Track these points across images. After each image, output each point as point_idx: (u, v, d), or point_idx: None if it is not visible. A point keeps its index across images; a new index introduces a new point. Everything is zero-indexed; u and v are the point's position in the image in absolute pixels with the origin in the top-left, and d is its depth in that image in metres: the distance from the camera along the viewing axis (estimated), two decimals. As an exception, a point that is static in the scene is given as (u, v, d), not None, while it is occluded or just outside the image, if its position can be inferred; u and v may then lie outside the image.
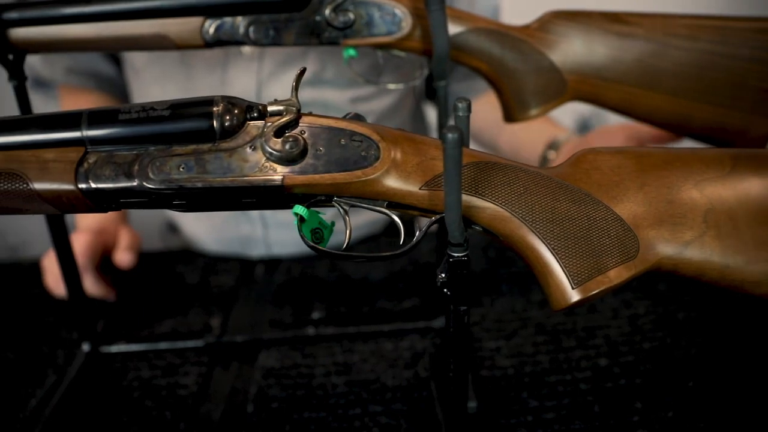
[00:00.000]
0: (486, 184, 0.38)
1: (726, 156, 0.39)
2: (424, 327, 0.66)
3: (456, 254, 0.39)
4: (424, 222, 0.38)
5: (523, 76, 0.55)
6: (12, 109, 0.56)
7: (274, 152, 0.35)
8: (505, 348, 0.63)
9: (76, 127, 0.35)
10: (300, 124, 0.36)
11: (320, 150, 0.36)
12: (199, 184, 0.35)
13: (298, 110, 0.36)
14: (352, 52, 0.53)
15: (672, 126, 0.58)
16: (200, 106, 0.35)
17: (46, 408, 0.58)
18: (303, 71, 0.37)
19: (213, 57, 0.72)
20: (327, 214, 0.40)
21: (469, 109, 0.39)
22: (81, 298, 0.64)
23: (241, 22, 0.50)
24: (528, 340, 0.64)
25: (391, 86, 0.57)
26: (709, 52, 0.56)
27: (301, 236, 0.37)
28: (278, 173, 0.35)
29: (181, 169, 0.35)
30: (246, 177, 0.35)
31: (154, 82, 0.78)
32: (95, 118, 0.35)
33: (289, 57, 0.72)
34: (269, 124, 0.36)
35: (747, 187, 0.37)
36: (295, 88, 0.36)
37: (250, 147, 0.35)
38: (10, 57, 0.52)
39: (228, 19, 0.50)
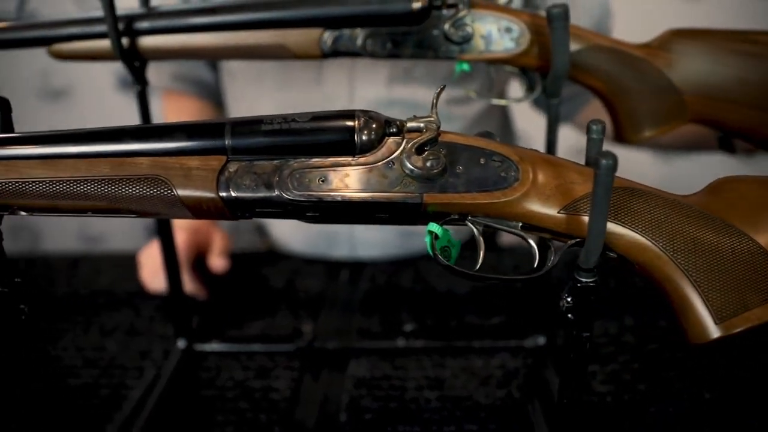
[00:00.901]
0: (626, 211, 0.35)
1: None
2: (515, 346, 0.64)
3: (585, 280, 0.37)
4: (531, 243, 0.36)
5: (639, 95, 0.52)
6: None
7: (415, 169, 0.34)
8: (601, 373, 0.60)
9: (219, 136, 0.34)
10: (439, 142, 0.35)
11: (460, 169, 0.34)
12: (339, 198, 0.34)
13: (438, 127, 0.34)
14: (465, 67, 0.52)
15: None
16: (341, 120, 0.34)
17: (148, 401, 0.58)
18: (442, 89, 0.35)
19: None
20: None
21: (603, 131, 0.37)
22: (179, 294, 0.65)
23: (359, 34, 0.50)
24: (625, 367, 0.61)
25: (501, 102, 0.55)
26: None
27: (434, 254, 0.35)
28: (418, 191, 0.34)
29: (320, 182, 0.34)
30: (386, 193, 0.34)
31: (251, 82, 0.79)
32: (238, 127, 0.34)
33: None
34: (408, 140, 0.34)
35: None
36: (434, 105, 0.35)
37: (390, 163, 0.34)
38: (137, 64, 0.53)
39: (346, 31, 0.50)
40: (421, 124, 0.35)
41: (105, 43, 0.51)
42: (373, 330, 0.69)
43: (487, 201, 0.34)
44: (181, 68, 0.85)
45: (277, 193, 0.34)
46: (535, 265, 0.36)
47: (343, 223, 0.36)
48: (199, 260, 0.77)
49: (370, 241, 0.82)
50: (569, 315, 0.38)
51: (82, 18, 0.52)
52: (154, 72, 0.89)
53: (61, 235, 1.93)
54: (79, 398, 0.61)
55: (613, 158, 0.30)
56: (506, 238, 0.98)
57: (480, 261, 0.36)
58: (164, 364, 0.64)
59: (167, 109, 0.91)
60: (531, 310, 0.69)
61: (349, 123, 0.34)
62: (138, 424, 0.55)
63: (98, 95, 1.75)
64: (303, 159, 0.34)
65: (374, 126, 0.34)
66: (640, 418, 0.54)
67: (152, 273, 0.75)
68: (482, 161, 0.35)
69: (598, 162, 0.30)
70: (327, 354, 0.65)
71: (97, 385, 0.63)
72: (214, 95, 0.89)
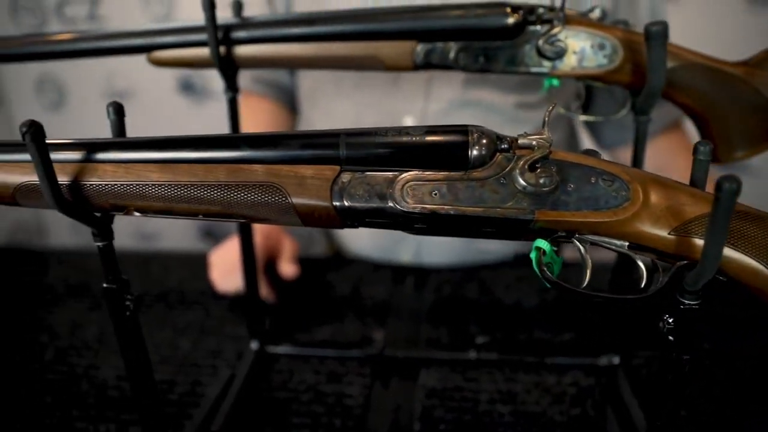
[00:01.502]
0: (739, 234, 0.35)
1: None
2: (589, 364, 0.63)
3: (689, 302, 0.36)
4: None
5: (733, 115, 0.51)
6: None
7: (528, 186, 0.34)
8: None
9: (334, 146, 0.35)
10: (550, 159, 0.35)
11: (571, 187, 0.34)
12: (452, 212, 0.34)
13: (550, 145, 0.34)
14: (555, 82, 0.52)
15: None
16: (455, 135, 0.34)
17: (225, 400, 0.59)
18: (554, 107, 0.35)
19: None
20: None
21: (710, 153, 0.37)
22: (255, 296, 0.67)
23: (452, 47, 0.50)
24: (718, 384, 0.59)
25: (590, 118, 0.54)
26: None
27: (541, 270, 0.35)
28: (530, 207, 0.34)
29: (433, 195, 0.34)
30: (498, 208, 0.34)
31: (328, 82, 0.80)
32: (353, 138, 0.35)
33: None
34: (519, 156, 0.35)
35: None
36: (546, 123, 0.35)
37: (502, 179, 0.34)
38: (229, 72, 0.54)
39: (440, 44, 0.50)
40: (533, 142, 0.35)
41: (202, 51, 0.53)
42: (442, 341, 0.69)
43: (598, 220, 0.34)
44: (261, 72, 0.88)
45: (390, 204, 0.34)
46: (642, 285, 0.36)
47: (448, 236, 0.37)
48: (269, 265, 0.78)
49: (436, 247, 0.82)
50: (670, 337, 0.38)
51: (180, 27, 0.54)
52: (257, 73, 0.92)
53: (117, 231, 1.99)
54: (162, 389, 0.63)
55: (737, 182, 0.30)
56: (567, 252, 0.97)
57: (587, 279, 0.36)
58: (238, 365, 0.65)
59: (244, 112, 0.93)
60: (602, 328, 0.68)
61: (463, 138, 0.34)
62: (218, 422, 0.57)
63: (160, 97, 1.81)
64: (416, 172, 0.35)
65: (486, 141, 0.35)
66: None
67: (223, 274, 0.77)
68: (593, 180, 0.35)
69: (720, 185, 0.30)
70: (397, 362, 0.65)
71: (174, 382, 0.65)
72: (289, 98, 0.91)
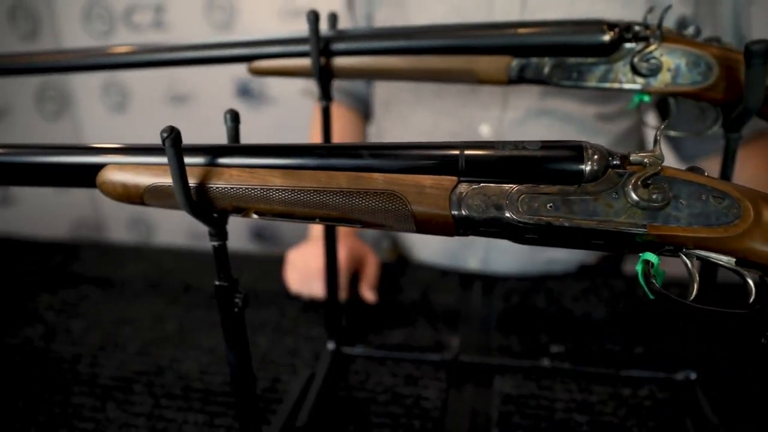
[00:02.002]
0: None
1: None
2: (664, 378, 0.63)
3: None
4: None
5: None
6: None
7: (641, 201, 0.35)
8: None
9: (453, 158, 0.37)
10: (661, 176, 0.36)
11: (682, 203, 0.36)
12: (566, 224, 0.36)
13: (662, 162, 0.36)
14: (646, 98, 0.53)
15: None
16: (570, 150, 0.36)
17: (307, 398, 0.62)
18: (665, 125, 0.37)
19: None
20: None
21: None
22: (334, 298, 0.69)
23: (547, 63, 0.52)
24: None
25: (681, 134, 0.55)
26: None
27: (649, 282, 0.37)
28: (642, 221, 0.35)
29: (548, 207, 0.36)
30: (612, 221, 0.36)
31: (407, 90, 0.83)
32: (472, 151, 0.37)
33: None
34: (631, 173, 0.36)
35: None
36: (658, 141, 0.36)
37: (614, 193, 0.36)
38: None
39: (534, 60, 0.52)
40: (645, 159, 0.36)
41: (301, 62, 0.56)
42: (514, 348, 0.70)
43: (708, 236, 0.35)
44: (339, 81, 0.91)
45: (508, 215, 0.36)
46: (751, 300, 0.37)
47: (557, 247, 0.38)
48: (353, 279, 0.81)
49: (501, 246, 0.84)
50: (771, 354, 0.39)
51: (282, 38, 0.57)
52: (311, 82, 0.96)
53: (173, 230, 2.06)
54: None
55: None
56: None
57: (694, 292, 0.37)
58: (317, 364, 0.68)
59: (316, 121, 0.97)
60: (674, 343, 0.68)
61: (578, 154, 0.36)
62: (301, 418, 0.59)
63: (218, 101, 1.87)
64: (532, 185, 0.37)
65: (599, 157, 0.36)
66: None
67: (302, 277, 0.80)
68: (703, 197, 0.36)
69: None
70: (472, 368, 0.67)
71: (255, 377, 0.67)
72: (363, 105, 0.94)
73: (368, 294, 0.78)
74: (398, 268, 0.91)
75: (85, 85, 1.97)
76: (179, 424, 0.61)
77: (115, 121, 1.97)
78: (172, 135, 0.37)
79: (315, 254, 0.77)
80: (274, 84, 1.82)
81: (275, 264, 0.87)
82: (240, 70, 0.66)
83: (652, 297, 0.38)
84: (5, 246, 1.05)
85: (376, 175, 0.38)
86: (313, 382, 0.64)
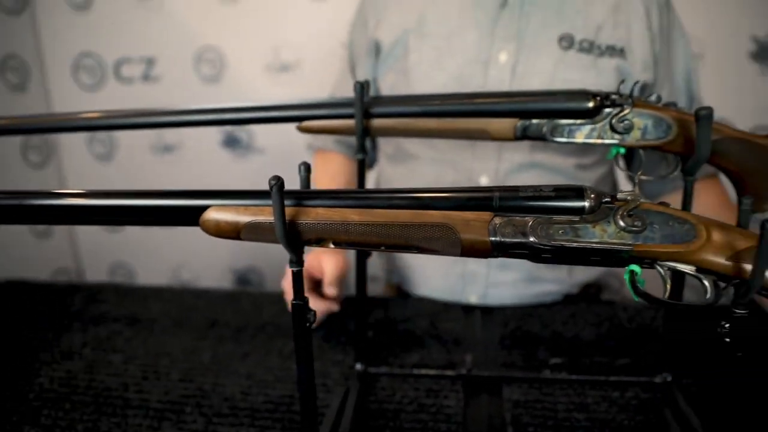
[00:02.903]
0: None
1: None
2: (646, 381, 0.79)
3: (740, 311, 0.53)
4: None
5: (763, 176, 0.69)
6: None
7: (627, 227, 0.51)
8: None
9: (489, 199, 0.53)
10: (640, 208, 0.52)
11: (656, 227, 0.52)
12: (575, 245, 0.51)
13: (640, 198, 0.52)
14: (622, 150, 0.70)
15: None
16: (575, 191, 0.52)
17: (345, 412, 0.75)
18: (641, 174, 0.53)
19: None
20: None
21: (752, 204, 0.55)
22: (363, 323, 0.83)
23: (545, 123, 0.69)
24: None
25: (649, 179, 0.72)
26: None
27: (634, 287, 0.52)
28: (629, 242, 0.51)
29: (561, 233, 0.52)
30: (606, 242, 0.51)
31: (412, 144, 0.99)
32: (503, 193, 0.53)
33: None
34: (618, 206, 0.52)
35: None
36: (636, 185, 0.53)
37: (607, 222, 0.52)
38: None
39: (535, 121, 0.69)
40: (628, 196, 0.52)
41: (344, 122, 0.72)
42: (517, 364, 0.85)
43: (675, 251, 0.51)
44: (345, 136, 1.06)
45: (532, 239, 0.52)
46: (707, 297, 0.53)
47: (565, 264, 0.54)
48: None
49: (501, 281, 1.00)
50: (726, 339, 0.54)
51: (329, 102, 0.73)
52: (321, 137, 1.12)
53: (153, 275, 2.15)
54: (282, 406, 0.78)
55: (771, 223, 0.47)
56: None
57: (668, 293, 0.53)
58: (349, 383, 0.81)
59: (317, 166, 1.11)
60: (653, 355, 0.84)
61: (581, 194, 0.52)
62: (344, 427, 0.72)
63: (206, 150, 2.00)
64: (548, 217, 0.52)
65: (595, 196, 0.52)
66: None
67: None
68: (670, 223, 0.52)
69: (764, 225, 0.47)
70: (484, 380, 0.81)
71: (293, 397, 0.80)
72: (371, 162, 1.10)
73: (328, 290, 0.90)
74: (405, 301, 1.05)
75: (70, 135, 2.08)
76: (236, 435, 0.73)
77: (101, 170, 2.07)
78: (279, 182, 0.52)
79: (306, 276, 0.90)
80: (261, 135, 1.97)
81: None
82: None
83: (636, 298, 0.53)
84: (13, 289, 1.14)
85: (433, 212, 0.53)
86: (348, 398, 0.77)
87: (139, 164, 2.04)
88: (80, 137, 2.06)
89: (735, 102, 1.92)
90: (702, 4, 1.84)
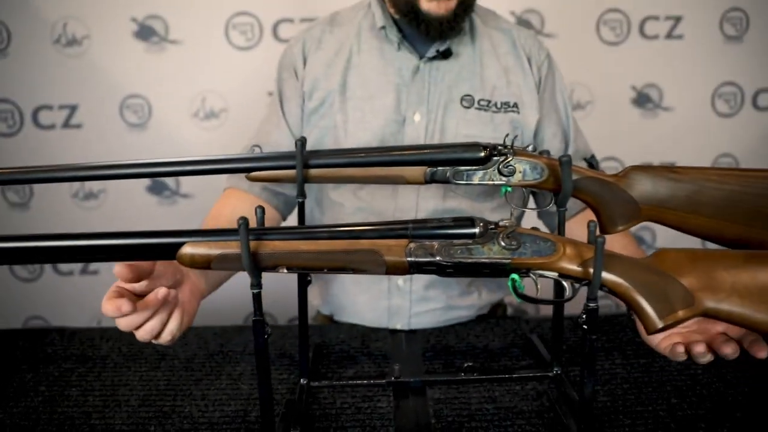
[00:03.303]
0: (612, 266, 0.76)
1: (742, 255, 0.77)
2: (541, 375, 1.02)
3: (591, 305, 0.76)
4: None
5: (613, 205, 0.95)
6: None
7: (506, 246, 0.74)
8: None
9: (405, 229, 0.74)
10: (516, 232, 0.75)
11: (527, 245, 0.75)
12: (470, 261, 0.73)
13: (514, 225, 0.75)
14: (509, 189, 0.94)
15: (709, 238, 0.97)
16: (468, 220, 0.74)
17: (294, 414, 0.93)
18: (514, 209, 0.77)
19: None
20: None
21: (597, 227, 0.79)
22: (305, 348, 1.01)
23: (448, 169, 0.91)
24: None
25: (533, 210, 0.97)
26: (733, 191, 0.95)
27: (515, 290, 0.75)
28: (509, 257, 0.74)
29: (459, 253, 0.73)
30: (493, 258, 0.73)
31: (336, 189, 1.20)
32: (416, 224, 0.74)
33: None
34: (500, 231, 0.75)
35: (754, 272, 0.74)
36: (512, 215, 0.76)
37: (492, 242, 0.74)
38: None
39: (441, 168, 0.92)
40: (507, 223, 0.75)
41: (287, 172, 0.92)
42: (438, 371, 1.06)
43: (541, 262, 0.74)
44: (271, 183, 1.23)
45: (438, 258, 0.73)
46: (567, 294, 0.76)
47: (465, 276, 0.76)
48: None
49: (422, 311, 1.21)
50: (584, 325, 0.78)
51: (273, 155, 0.93)
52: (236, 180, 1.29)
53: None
54: (237, 419, 0.95)
55: (603, 239, 0.72)
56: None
57: (538, 292, 0.76)
58: (296, 395, 0.99)
59: (226, 202, 1.19)
60: (545, 356, 1.08)
61: (472, 223, 0.74)
62: (296, 425, 0.90)
63: (129, 196, 2.13)
64: (449, 240, 0.74)
65: (483, 224, 0.75)
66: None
67: None
68: (537, 242, 0.75)
69: (597, 241, 0.71)
70: (410, 384, 1.01)
71: (247, 411, 0.97)
72: (282, 203, 1.23)
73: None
74: (339, 326, 1.24)
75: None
76: (200, 443, 0.89)
77: (17, 217, 2.15)
78: (245, 222, 0.71)
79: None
80: (187, 180, 2.13)
81: (235, 332, 1.18)
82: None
83: (519, 300, 0.76)
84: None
85: (363, 241, 0.74)
86: (296, 406, 0.96)
87: (58, 212, 2.13)
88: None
89: (622, 141, 2.29)
90: (592, 59, 2.20)
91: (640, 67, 2.28)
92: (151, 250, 0.74)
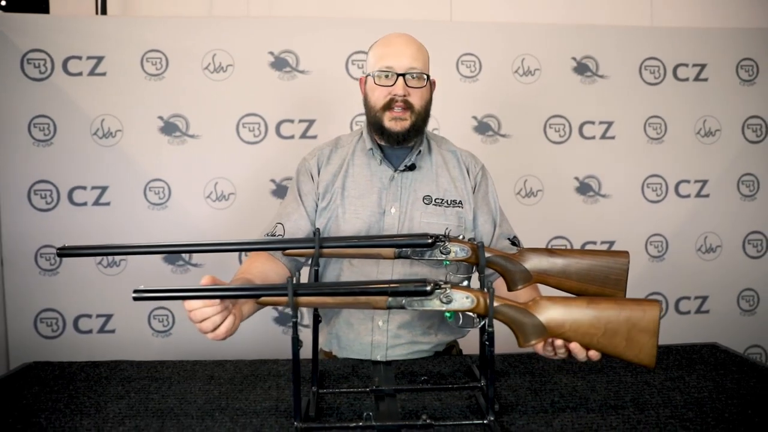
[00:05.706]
0: (498, 310, 1.50)
1: (586, 299, 1.52)
2: (473, 385, 1.74)
3: (489, 328, 1.50)
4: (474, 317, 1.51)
5: (514, 273, 1.70)
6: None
7: (445, 299, 1.47)
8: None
9: (386, 289, 1.48)
10: (449, 291, 1.49)
11: (457, 298, 1.48)
12: (425, 308, 1.46)
13: (449, 287, 1.49)
14: (447, 262, 1.69)
15: (578, 293, 1.71)
16: (424, 282, 1.48)
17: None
18: (448, 287, 1.52)
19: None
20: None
21: (494, 291, 1.54)
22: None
23: (410, 249, 1.66)
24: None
25: (460, 276, 1.71)
26: (590, 264, 1.70)
27: (448, 319, 1.48)
28: (447, 306, 1.47)
29: (416, 304, 1.46)
30: (437, 306, 1.47)
31: (337, 268, 1.95)
32: (392, 286, 1.48)
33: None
34: (443, 290, 1.49)
35: (593, 311, 1.49)
36: (448, 284, 1.50)
37: (438, 297, 1.47)
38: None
39: (405, 249, 1.66)
40: (445, 286, 1.49)
41: (306, 251, 1.66)
42: (405, 385, 1.78)
43: (467, 308, 1.48)
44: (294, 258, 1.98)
45: (405, 307, 1.47)
46: (476, 323, 1.50)
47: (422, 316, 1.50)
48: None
49: (396, 344, 1.95)
50: (486, 342, 1.51)
51: (298, 239, 1.67)
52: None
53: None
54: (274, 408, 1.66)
55: (493, 290, 1.46)
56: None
57: (461, 322, 1.49)
58: (309, 398, 1.70)
59: (255, 259, 1.93)
60: (474, 375, 1.81)
61: (426, 282, 1.48)
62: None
63: (146, 265, 2.82)
64: (411, 296, 1.48)
65: (433, 284, 1.47)
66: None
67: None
68: (465, 296, 1.48)
69: (489, 289, 1.46)
70: (386, 392, 1.72)
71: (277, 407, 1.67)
72: (294, 267, 1.97)
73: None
74: (336, 361, 1.97)
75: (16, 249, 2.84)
76: None
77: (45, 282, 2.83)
78: (291, 279, 1.45)
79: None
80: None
81: (241, 368, 1.89)
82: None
83: (450, 319, 1.50)
84: None
85: (363, 297, 1.48)
86: (307, 402, 1.66)
87: (86, 277, 2.81)
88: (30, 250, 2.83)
89: (568, 223, 3.10)
90: (541, 155, 3.03)
91: (581, 162, 3.11)
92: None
